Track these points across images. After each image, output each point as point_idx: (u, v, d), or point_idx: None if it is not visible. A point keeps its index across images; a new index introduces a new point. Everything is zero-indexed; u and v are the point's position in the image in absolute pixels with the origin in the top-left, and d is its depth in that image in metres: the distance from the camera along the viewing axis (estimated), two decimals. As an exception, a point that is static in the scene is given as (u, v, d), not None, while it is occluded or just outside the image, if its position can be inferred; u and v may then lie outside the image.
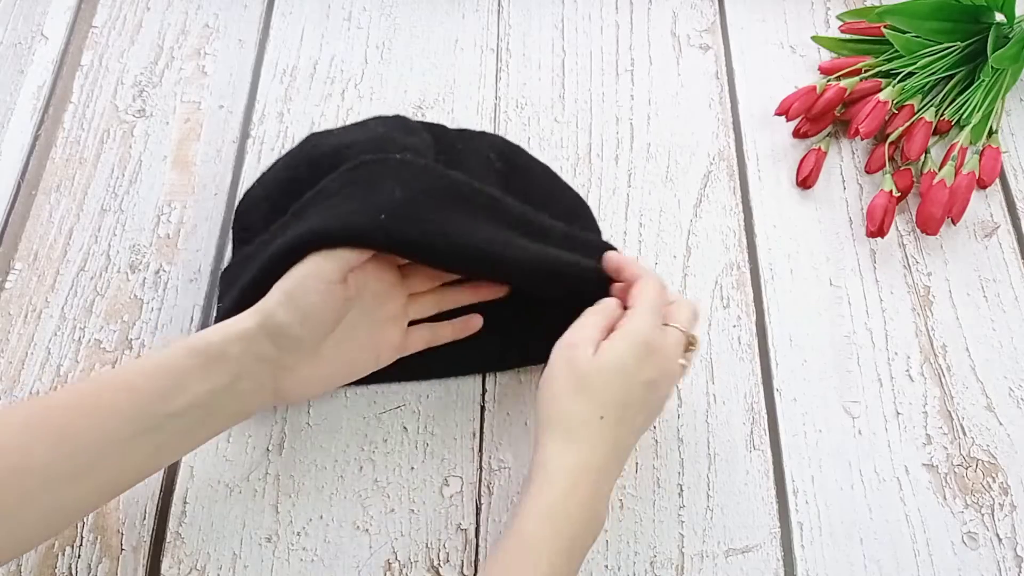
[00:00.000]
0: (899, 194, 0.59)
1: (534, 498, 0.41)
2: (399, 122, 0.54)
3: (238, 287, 0.47)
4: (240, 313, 0.43)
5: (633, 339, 0.44)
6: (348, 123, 0.57)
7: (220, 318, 0.45)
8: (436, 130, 0.56)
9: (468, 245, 0.45)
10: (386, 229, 0.44)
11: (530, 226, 0.49)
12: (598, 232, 0.58)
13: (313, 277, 0.43)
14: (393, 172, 0.47)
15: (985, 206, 0.62)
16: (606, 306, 0.46)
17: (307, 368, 0.45)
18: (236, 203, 0.56)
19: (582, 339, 0.44)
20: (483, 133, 0.60)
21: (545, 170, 0.59)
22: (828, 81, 0.63)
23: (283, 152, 0.61)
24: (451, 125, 0.63)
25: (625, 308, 0.46)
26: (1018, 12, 0.63)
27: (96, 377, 0.41)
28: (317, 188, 0.47)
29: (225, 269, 0.53)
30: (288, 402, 0.47)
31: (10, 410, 0.40)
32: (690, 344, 0.47)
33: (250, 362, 0.43)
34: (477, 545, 0.49)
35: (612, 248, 0.51)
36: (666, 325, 0.46)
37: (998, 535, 0.50)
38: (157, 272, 0.57)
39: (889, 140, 0.61)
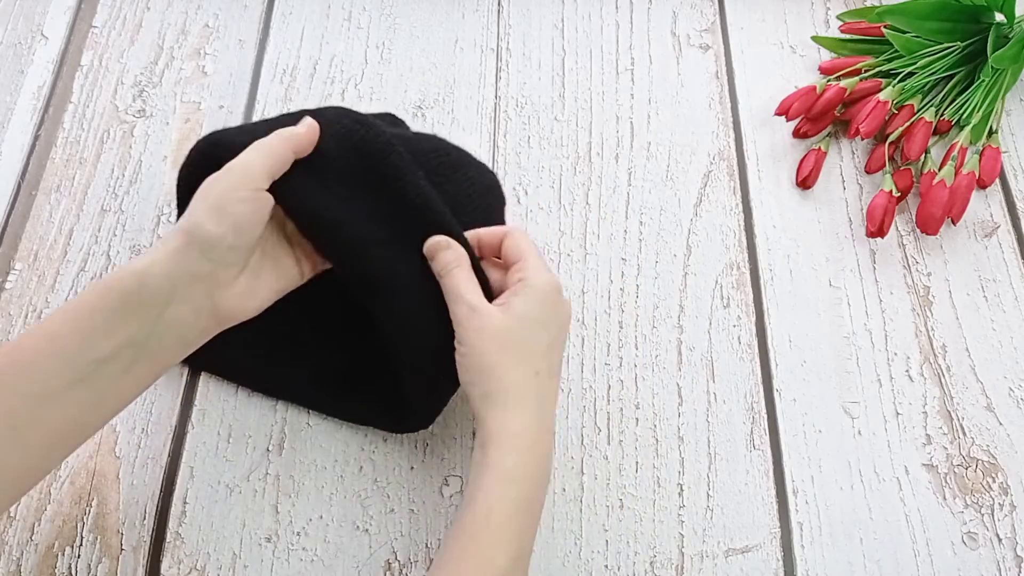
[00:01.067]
0: (899, 194, 0.59)
1: (492, 468, 0.41)
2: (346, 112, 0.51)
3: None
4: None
5: (543, 287, 0.44)
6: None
7: None
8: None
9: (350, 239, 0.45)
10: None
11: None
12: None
13: (240, 183, 0.42)
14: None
15: (985, 206, 0.62)
16: (460, 257, 0.45)
17: (243, 280, 0.44)
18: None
19: (479, 303, 0.43)
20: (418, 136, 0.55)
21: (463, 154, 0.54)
22: (828, 81, 0.63)
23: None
24: (451, 125, 0.63)
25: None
26: (1018, 12, 0.63)
27: (23, 332, 0.39)
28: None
29: None
30: (229, 321, 0.44)
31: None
32: None
33: (183, 283, 0.41)
34: (477, 545, 0.49)
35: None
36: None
37: (998, 535, 0.50)
38: (157, 272, 0.57)
39: (889, 140, 0.61)
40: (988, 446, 0.53)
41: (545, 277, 0.45)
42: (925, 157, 0.61)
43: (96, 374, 0.39)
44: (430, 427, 0.51)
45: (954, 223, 0.60)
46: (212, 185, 0.42)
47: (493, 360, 0.43)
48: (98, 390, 0.40)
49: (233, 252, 0.42)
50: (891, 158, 0.62)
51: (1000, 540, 0.50)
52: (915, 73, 0.63)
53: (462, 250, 0.45)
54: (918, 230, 0.59)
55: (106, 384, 0.40)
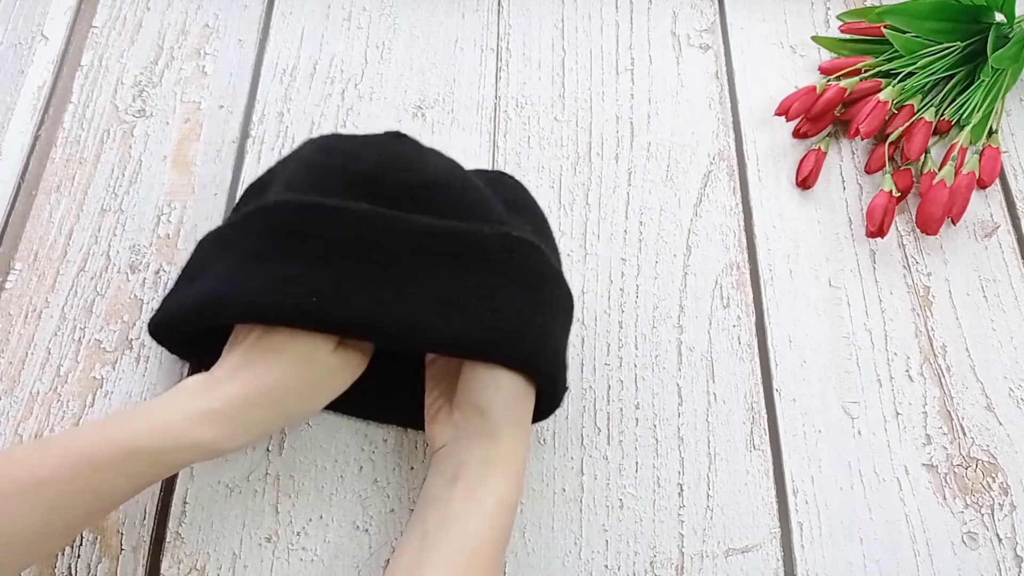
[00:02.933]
0: (899, 194, 0.59)
1: (500, 494, 0.42)
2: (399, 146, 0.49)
3: (176, 299, 0.46)
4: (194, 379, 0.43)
5: None
6: (359, 132, 0.52)
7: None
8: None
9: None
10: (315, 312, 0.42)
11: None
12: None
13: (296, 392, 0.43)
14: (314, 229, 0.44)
15: (985, 206, 0.62)
16: None
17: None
18: (235, 203, 0.55)
19: None
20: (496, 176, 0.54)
21: (542, 219, 0.53)
22: (828, 81, 0.63)
23: (283, 153, 0.61)
24: (451, 125, 0.63)
25: None
26: (1018, 12, 0.63)
27: (96, 452, 0.40)
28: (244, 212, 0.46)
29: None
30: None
31: (3, 478, 0.40)
32: None
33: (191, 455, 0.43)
34: (477, 545, 0.49)
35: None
36: None
37: (998, 535, 0.50)
38: (157, 272, 0.57)
39: (889, 140, 0.61)
40: (988, 446, 0.53)
41: None
42: (925, 157, 0.61)
43: (135, 491, 0.42)
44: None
45: (954, 223, 0.60)
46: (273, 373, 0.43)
47: (516, 388, 0.45)
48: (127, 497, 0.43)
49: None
50: (891, 158, 0.62)
51: (1000, 540, 0.50)
52: (915, 73, 0.63)
53: None
54: (918, 230, 0.59)
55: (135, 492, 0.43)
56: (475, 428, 0.44)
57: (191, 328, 0.46)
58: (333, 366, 0.44)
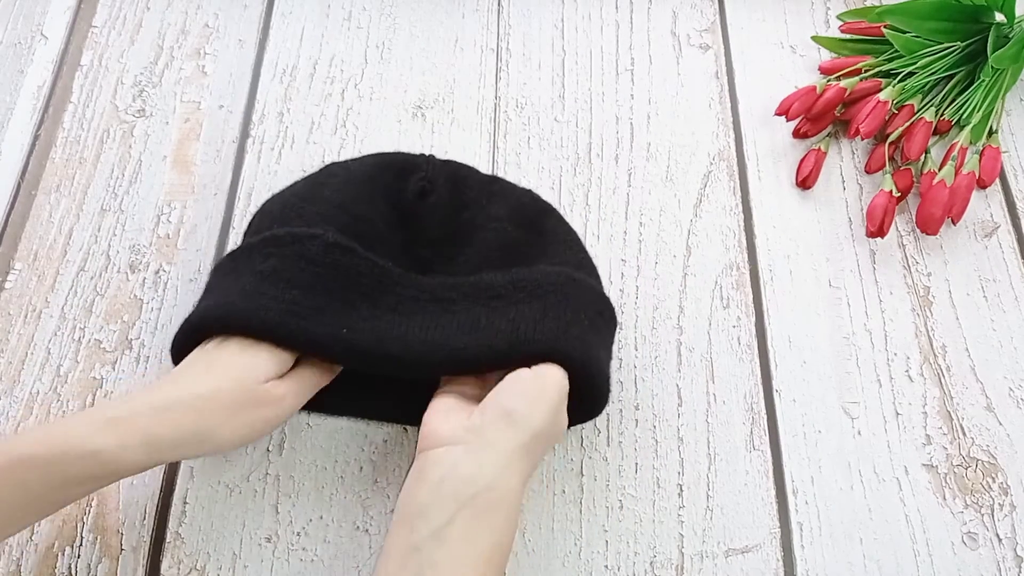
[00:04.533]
0: (899, 194, 0.59)
1: (497, 538, 0.40)
2: (399, 164, 0.54)
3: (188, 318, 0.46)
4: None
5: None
6: (359, 154, 0.56)
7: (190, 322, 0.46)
8: (464, 172, 0.54)
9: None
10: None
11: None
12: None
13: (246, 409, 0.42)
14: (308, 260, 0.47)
15: (985, 206, 0.62)
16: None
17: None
18: (235, 203, 0.56)
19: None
20: (512, 186, 0.55)
21: (566, 237, 0.54)
22: (828, 81, 0.63)
23: (283, 152, 0.61)
24: (451, 125, 0.63)
25: None
26: (1018, 12, 0.63)
27: (8, 447, 0.39)
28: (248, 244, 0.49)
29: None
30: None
31: None
32: None
33: (138, 470, 0.41)
34: (477, 545, 0.49)
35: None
36: None
37: (998, 535, 0.50)
38: (157, 272, 0.57)
39: (889, 140, 0.61)
40: (988, 446, 0.53)
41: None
42: (925, 157, 0.61)
43: (53, 508, 0.41)
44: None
45: (954, 223, 0.60)
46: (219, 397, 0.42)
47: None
48: (49, 515, 0.42)
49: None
50: (891, 158, 0.62)
51: (1000, 540, 0.50)
52: (915, 73, 0.63)
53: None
54: (918, 230, 0.59)
55: (58, 509, 0.42)
56: (491, 437, 0.41)
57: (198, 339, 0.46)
58: (264, 395, 0.42)
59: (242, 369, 0.42)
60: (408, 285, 0.48)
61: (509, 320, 0.46)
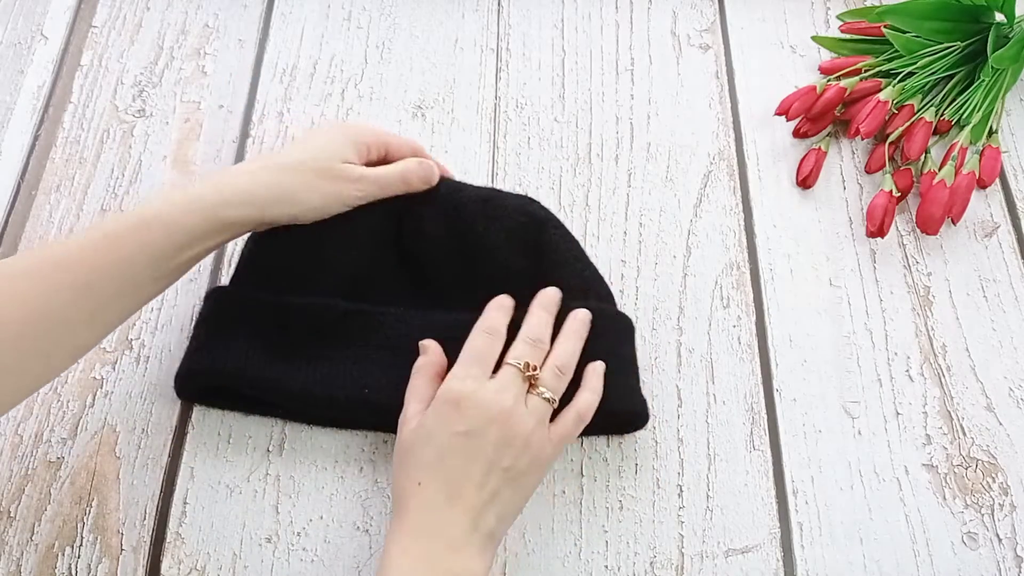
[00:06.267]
0: (899, 194, 0.59)
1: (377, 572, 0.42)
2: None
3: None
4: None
5: (437, 399, 0.45)
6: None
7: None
8: (457, 197, 0.54)
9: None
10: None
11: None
12: (612, 304, 0.54)
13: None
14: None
15: (985, 206, 0.62)
16: (420, 369, 0.48)
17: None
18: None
19: (408, 415, 0.46)
20: (507, 204, 0.54)
21: (568, 254, 0.54)
22: (828, 81, 0.63)
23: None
24: (451, 125, 0.63)
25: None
26: (1018, 12, 0.63)
27: (114, 228, 0.44)
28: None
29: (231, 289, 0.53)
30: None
31: (33, 260, 0.43)
32: (529, 375, 0.46)
33: (242, 229, 0.48)
34: (477, 545, 0.49)
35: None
36: (507, 364, 0.46)
37: (998, 535, 0.50)
38: (157, 272, 0.57)
39: (889, 140, 0.61)
40: (988, 446, 0.53)
41: (448, 386, 0.45)
42: (925, 157, 0.61)
43: (171, 275, 0.46)
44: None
45: (954, 223, 0.60)
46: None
47: (395, 466, 0.45)
48: (165, 283, 0.47)
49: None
50: (891, 158, 0.62)
51: (1000, 540, 0.50)
52: (915, 73, 0.63)
53: (430, 358, 0.48)
54: (918, 230, 0.59)
55: (171, 280, 0.47)
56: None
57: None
58: (342, 171, 0.49)
59: (323, 148, 0.49)
60: (425, 325, 0.50)
61: None
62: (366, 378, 0.49)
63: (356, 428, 0.52)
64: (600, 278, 0.54)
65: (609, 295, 0.54)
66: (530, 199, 0.54)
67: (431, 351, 0.48)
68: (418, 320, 0.51)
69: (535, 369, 0.46)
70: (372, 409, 0.49)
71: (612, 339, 0.51)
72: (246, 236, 0.52)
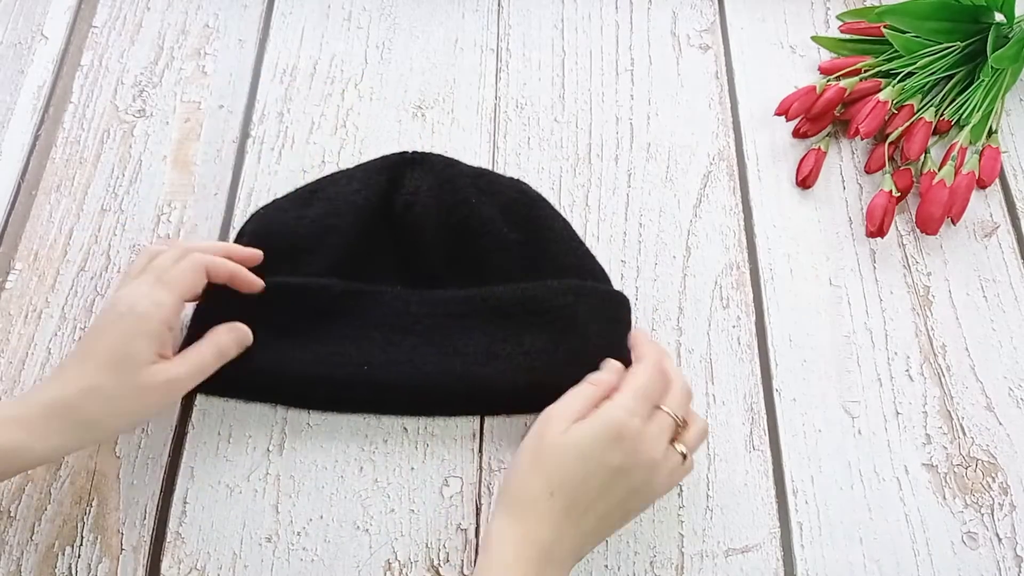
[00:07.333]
0: (899, 194, 0.59)
1: (477, 570, 0.42)
2: (394, 166, 0.56)
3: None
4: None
5: (603, 423, 0.44)
6: (355, 164, 0.58)
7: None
8: (450, 172, 0.55)
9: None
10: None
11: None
12: (607, 282, 0.56)
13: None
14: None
15: (985, 206, 0.62)
16: (597, 381, 0.47)
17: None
18: (235, 203, 0.56)
19: (559, 414, 0.45)
20: (500, 180, 0.57)
21: (562, 231, 0.56)
22: (828, 81, 0.63)
23: (283, 153, 0.61)
24: (451, 125, 0.63)
25: None
26: (1018, 12, 0.63)
27: None
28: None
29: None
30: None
31: None
32: (679, 428, 0.46)
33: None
34: (477, 545, 0.49)
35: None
36: (658, 408, 0.46)
37: (998, 535, 0.50)
38: (157, 272, 0.57)
39: (889, 140, 0.61)
40: (988, 446, 0.53)
41: (616, 415, 0.44)
42: (925, 157, 0.61)
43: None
44: (430, 428, 0.52)
45: (954, 223, 0.60)
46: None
47: (524, 461, 0.44)
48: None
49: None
50: (891, 158, 0.62)
51: (1000, 540, 0.50)
52: (915, 73, 0.63)
53: (612, 380, 0.47)
54: (918, 230, 0.59)
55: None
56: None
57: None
58: (148, 381, 0.44)
59: (122, 356, 0.44)
60: (422, 303, 0.51)
61: (524, 353, 0.50)
62: (365, 356, 0.50)
63: (355, 411, 0.51)
64: (591, 255, 0.55)
65: (603, 273, 0.55)
66: (521, 181, 0.56)
67: (617, 375, 0.47)
68: (415, 298, 0.52)
69: (684, 424, 0.46)
70: (373, 386, 0.50)
71: (602, 320, 0.52)
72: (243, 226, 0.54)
